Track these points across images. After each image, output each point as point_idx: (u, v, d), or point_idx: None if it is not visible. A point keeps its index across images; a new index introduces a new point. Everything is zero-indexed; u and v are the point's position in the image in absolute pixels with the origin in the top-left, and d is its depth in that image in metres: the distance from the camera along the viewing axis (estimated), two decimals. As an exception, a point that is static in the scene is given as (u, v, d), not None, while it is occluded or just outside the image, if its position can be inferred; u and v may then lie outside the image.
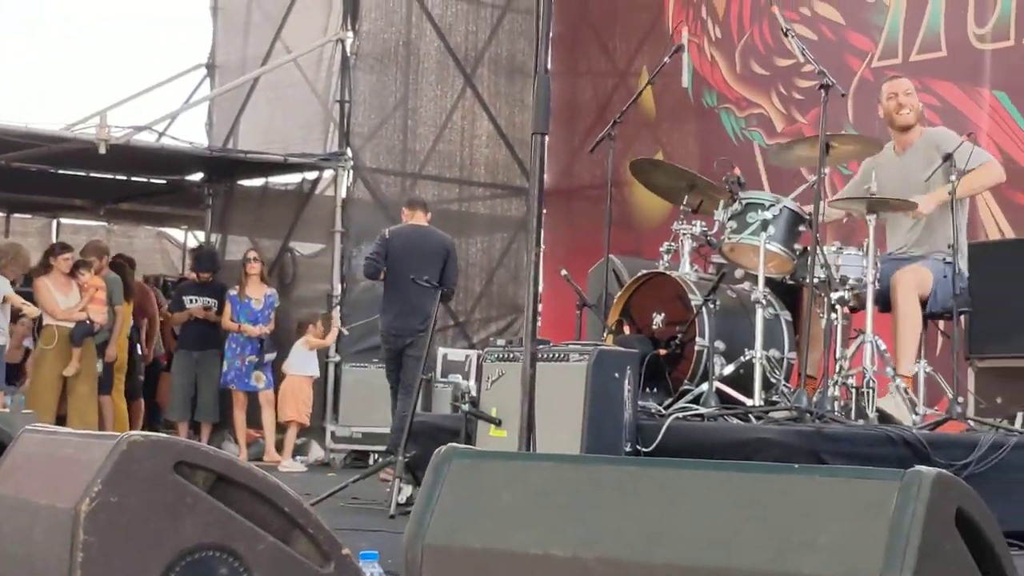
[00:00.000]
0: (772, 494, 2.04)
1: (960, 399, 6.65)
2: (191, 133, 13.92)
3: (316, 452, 12.18)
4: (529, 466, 2.44)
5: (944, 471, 1.97)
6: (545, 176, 13.99)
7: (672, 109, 12.47)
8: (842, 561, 1.89)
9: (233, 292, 11.98)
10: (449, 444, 2.48)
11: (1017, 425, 6.47)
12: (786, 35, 7.08)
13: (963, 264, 7.03)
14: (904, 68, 10.51)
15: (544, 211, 13.50)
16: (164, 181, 14.21)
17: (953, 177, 6.74)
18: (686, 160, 11.69)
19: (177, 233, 17.26)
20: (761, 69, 11.69)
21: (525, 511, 2.28)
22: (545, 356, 6.28)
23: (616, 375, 6.18)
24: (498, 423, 6.30)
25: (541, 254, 12.47)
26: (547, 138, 11.90)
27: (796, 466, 2.10)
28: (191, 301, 12.39)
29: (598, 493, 2.22)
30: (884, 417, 6.54)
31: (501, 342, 6.63)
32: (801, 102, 11.24)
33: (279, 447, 11.73)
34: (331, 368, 12.32)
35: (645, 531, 2.12)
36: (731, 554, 2.01)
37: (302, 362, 11.79)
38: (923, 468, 1.97)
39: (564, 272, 7.89)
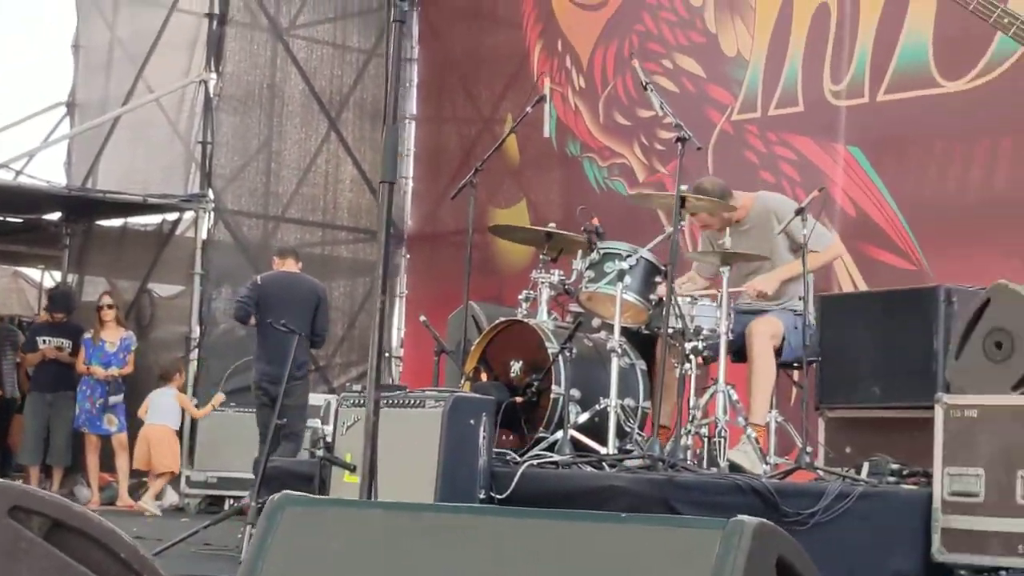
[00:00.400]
0: (600, 543, 2.08)
1: (809, 449, 6.77)
2: (50, 172, 13.73)
3: (171, 497, 12.02)
4: (361, 514, 2.44)
5: (765, 520, 2.02)
6: (409, 222, 14.15)
7: (536, 157, 12.57)
8: (666, 608, 1.93)
9: (88, 335, 11.83)
10: (283, 492, 2.48)
11: (863, 475, 6.59)
12: (646, 88, 7.18)
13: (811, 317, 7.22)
14: (762, 122, 10.73)
15: (407, 256, 13.74)
16: (20, 220, 13.99)
17: (806, 231, 6.88)
18: (549, 208, 11.80)
19: (34, 273, 16.96)
20: (624, 120, 11.83)
21: (356, 560, 2.29)
22: (401, 402, 6.30)
23: (471, 422, 6.20)
24: (352, 469, 6.28)
25: (404, 299, 12.47)
26: (411, 183, 11.98)
27: (623, 515, 2.13)
28: (44, 342, 12.20)
29: (428, 541, 2.24)
30: (735, 467, 6.63)
31: (357, 387, 6.61)
32: (662, 153, 11.39)
33: (132, 492, 11.58)
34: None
35: None
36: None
37: (168, 412, 11.60)
38: (745, 517, 2.02)
39: (423, 318, 7.91)
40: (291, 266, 10.22)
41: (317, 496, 5.65)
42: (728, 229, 7.24)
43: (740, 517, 2.04)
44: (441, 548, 2.23)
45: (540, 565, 2.12)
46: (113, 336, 11.81)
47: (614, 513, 2.10)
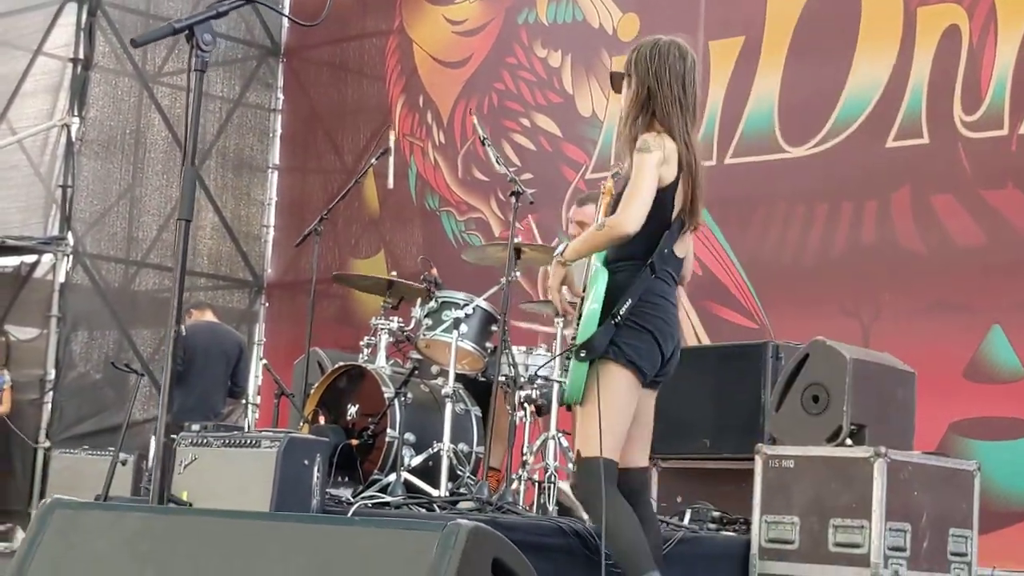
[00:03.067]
0: (333, 544, 2.26)
1: (637, 496, 6.97)
2: (-91, 212, 13.66)
3: (21, 537, 11.95)
4: (124, 517, 2.62)
5: (482, 524, 2.21)
6: (269, 270, 14.19)
7: (395, 209, 12.76)
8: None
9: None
10: (54, 496, 2.64)
11: (686, 521, 6.81)
12: (483, 143, 7.41)
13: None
14: (616, 181, 11.00)
15: (266, 304, 13.78)
16: None
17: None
18: (407, 259, 11.99)
19: None
20: (481, 175, 12.06)
21: (117, 559, 2.46)
22: (236, 442, 6.41)
23: (306, 462, 6.33)
24: (189, 506, 6.38)
25: (263, 347, 12.44)
26: (272, 232, 12.03)
27: (357, 518, 2.32)
28: None
29: (182, 542, 2.41)
30: (564, 510, 6.81)
31: (196, 427, 6.71)
32: (519, 208, 11.58)
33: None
34: (40, 453, 12.15)
35: (220, 574, 2.32)
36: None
37: None
38: (462, 521, 2.22)
39: (264, 362, 8.06)
40: (210, 316, 10.42)
41: (84, 500, 5.75)
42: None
43: (458, 520, 2.23)
44: (195, 548, 2.40)
45: (281, 564, 2.30)
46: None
47: (344, 516, 2.28)
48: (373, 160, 8.18)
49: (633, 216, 4.85)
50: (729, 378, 7.62)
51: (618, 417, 5.05)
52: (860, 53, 9.86)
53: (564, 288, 5.20)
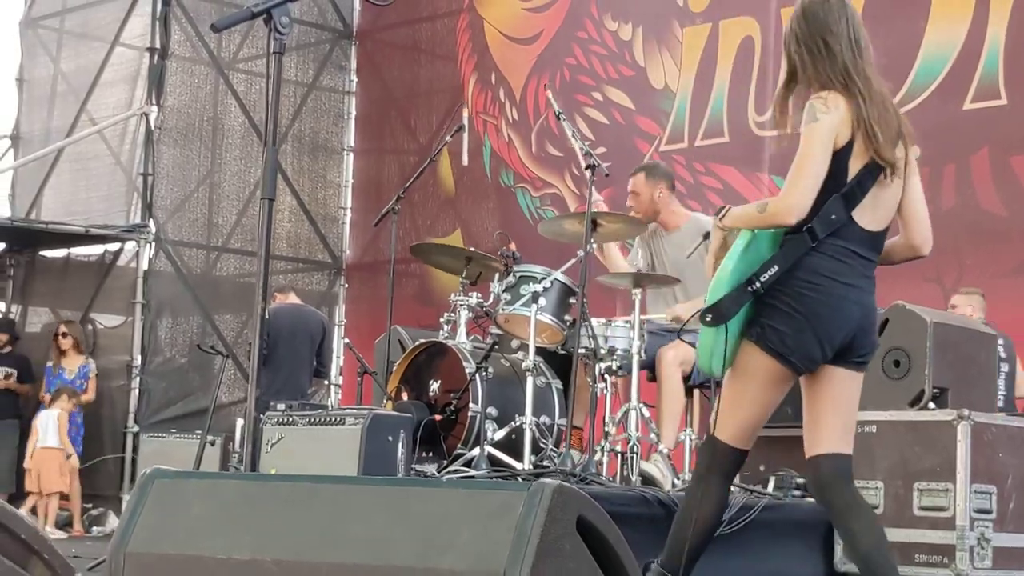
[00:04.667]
0: (420, 503, 2.35)
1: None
2: (-6, 204, 13.92)
3: (113, 522, 12.15)
4: (219, 484, 2.72)
5: (566, 484, 2.27)
6: (348, 251, 14.30)
7: (471, 187, 12.83)
8: (475, 558, 2.19)
9: (49, 363, 12.07)
10: (154, 466, 2.76)
11: (769, 489, 6.83)
12: (558, 118, 7.45)
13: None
14: (689, 152, 11.02)
15: (346, 286, 13.89)
16: (-36, 251, 14.12)
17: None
18: (483, 237, 12.04)
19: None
20: (556, 151, 12.10)
21: (213, 522, 2.56)
22: (321, 420, 6.53)
23: (390, 438, 6.44)
24: None
25: (343, 328, 12.58)
26: (349, 214, 12.13)
27: (444, 479, 2.38)
28: (-10, 370, 12.35)
29: (275, 505, 2.51)
30: (648, 480, 6.86)
31: (281, 406, 6.81)
32: (594, 183, 11.62)
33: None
34: (129, 438, 12.34)
35: (314, 537, 2.42)
36: (384, 554, 2.30)
37: (52, 433, 11.57)
38: (548, 480, 2.27)
39: (346, 341, 8.15)
40: (293, 299, 10.57)
41: (183, 470, 5.85)
42: (664, 238, 7.62)
43: (543, 480, 2.28)
44: (287, 510, 2.49)
45: (369, 523, 2.38)
46: (72, 364, 12.05)
47: (434, 478, 2.34)
48: (448, 138, 8.25)
49: (798, 200, 4.33)
50: (810, 344, 7.60)
51: (748, 405, 4.60)
52: (935, 15, 9.79)
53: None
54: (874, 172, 4.43)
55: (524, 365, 6.96)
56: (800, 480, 6.96)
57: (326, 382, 12.45)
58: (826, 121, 4.36)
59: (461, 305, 7.44)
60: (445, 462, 6.95)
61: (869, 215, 4.46)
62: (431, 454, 7.07)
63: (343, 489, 2.52)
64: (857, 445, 6.40)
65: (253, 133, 13.41)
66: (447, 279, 12.20)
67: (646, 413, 7.04)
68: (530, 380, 6.92)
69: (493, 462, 6.82)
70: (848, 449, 4.73)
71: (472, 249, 7.84)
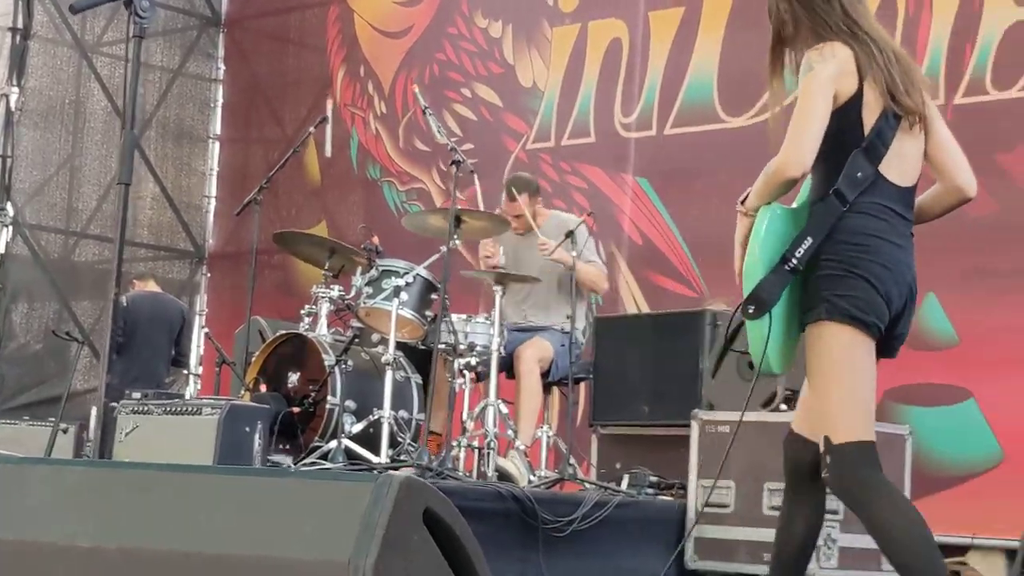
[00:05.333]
0: (267, 493, 2.34)
1: (573, 461, 7.08)
2: None
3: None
4: (63, 470, 2.69)
5: (414, 476, 2.29)
6: (211, 240, 14.12)
7: (337, 179, 12.76)
8: (320, 548, 2.20)
9: None
10: (-6, 454, 2.72)
11: (623, 486, 6.90)
12: (425, 113, 7.47)
13: (579, 334, 7.57)
14: (555, 151, 11.07)
15: (208, 275, 13.72)
16: None
17: (574, 253, 7.24)
18: (348, 230, 11.98)
19: None
20: (423, 145, 12.08)
21: (55, 509, 2.52)
22: (178, 409, 6.47)
23: (247, 429, 6.41)
24: None
25: (204, 317, 12.44)
26: (214, 202, 11.96)
27: (292, 470, 2.39)
28: None
29: (120, 492, 2.49)
30: (504, 476, 6.90)
31: (137, 395, 6.74)
32: (460, 179, 11.63)
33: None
34: (-20, 425, 12.12)
35: (160, 525, 2.41)
36: (230, 543, 2.30)
37: None
38: (395, 473, 2.29)
39: (206, 330, 8.08)
40: (152, 287, 10.42)
41: (23, 456, 5.80)
42: (524, 237, 7.72)
43: (389, 472, 2.30)
44: (133, 498, 2.47)
45: (216, 512, 2.38)
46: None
47: (282, 468, 2.35)
48: (312, 129, 8.23)
49: (797, 154, 4.07)
50: (667, 346, 7.71)
51: (859, 386, 4.11)
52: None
53: None
54: (892, 122, 4.14)
55: (384, 359, 6.97)
56: (653, 478, 7.06)
57: (185, 372, 12.33)
58: (822, 70, 4.09)
59: (323, 297, 7.43)
60: (302, 455, 6.93)
61: (896, 169, 4.16)
62: (288, 446, 7.04)
63: (191, 477, 2.51)
64: (710, 445, 6.55)
65: (116, 118, 13.20)
66: (310, 271, 12.09)
67: (504, 410, 7.09)
68: (389, 374, 6.94)
69: (350, 455, 6.82)
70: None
71: (336, 241, 7.82)
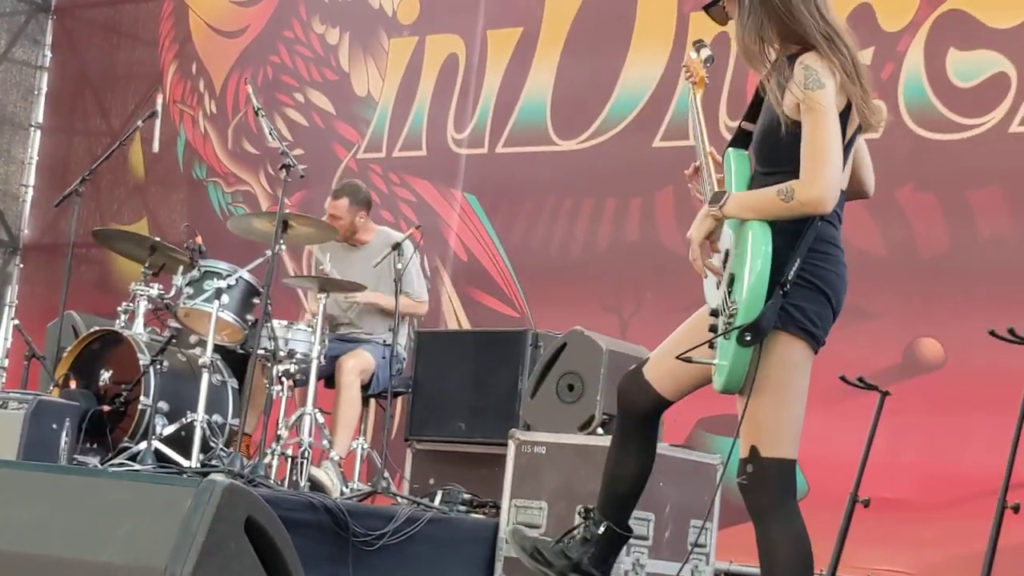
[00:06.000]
0: (82, 493, 2.25)
1: (387, 475, 7.03)
2: None
3: None
4: None
5: (237, 483, 2.23)
6: (26, 231, 13.72)
7: (161, 176, 12.53)
8: (136, 552, 2.12)
9: None
10: None
11: (436, 503, 6.87)
12: (257, 114, 7.37)
13: (401, 348, 7.54)
14: (386, 163, 11.02)
15: (21, 266, 13.37)
16: None
17: (399, 266, 7.21)
18: (171, 228, 11.78)
19: None
20: (252, 148, 11.93)
21: None
22: (-17, 402, 6.27)
23: (54, 426, 6.24)
24: None
25: (14, 309, 12.14)
26: (31, 192, 11.63)
27: (110, 470, 2.31)
28: None
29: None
30: (317, 486, 6.82)
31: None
32: (288, 184, 11.52)
33: None
34: None
35: None
36: (42, 543, 2.20)
37: None
38: (218, 478, 2.23)
39: (16, 322, 7.87)
40: None
41: None
42: (350, 251, 7.64)
43: (213, 477, 2.24)
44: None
45: (27, 510, 2.27)
46: None
47: (98, 468, 2.27)
48: (140, 123, 8.06)
49: (830, 187, 3.85)
50: (488, 363, 7.71)
51: (796, 403, 4.01)
52: (633, 52, 10.03)
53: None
54: (855, 136, 4.10)
55: (201, 361, 6.85)
56: (467, 495, 7.04)
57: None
58: (831, 88, 3.92)
59: (141, 295, 7.28)
60: (110, 455, 6.78)
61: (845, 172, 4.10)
62: (95, 445, 6.88)
63: (5, 474, 2.40)
64: (525, 465, 6.55)
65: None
66: (129, 267, 11.87)
67: (320, 419, 7.02)
68: (205, 377, 6.82)
69: (160, 458, 6.69)
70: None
71: (157, 240, 7.67)
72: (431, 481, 7.61)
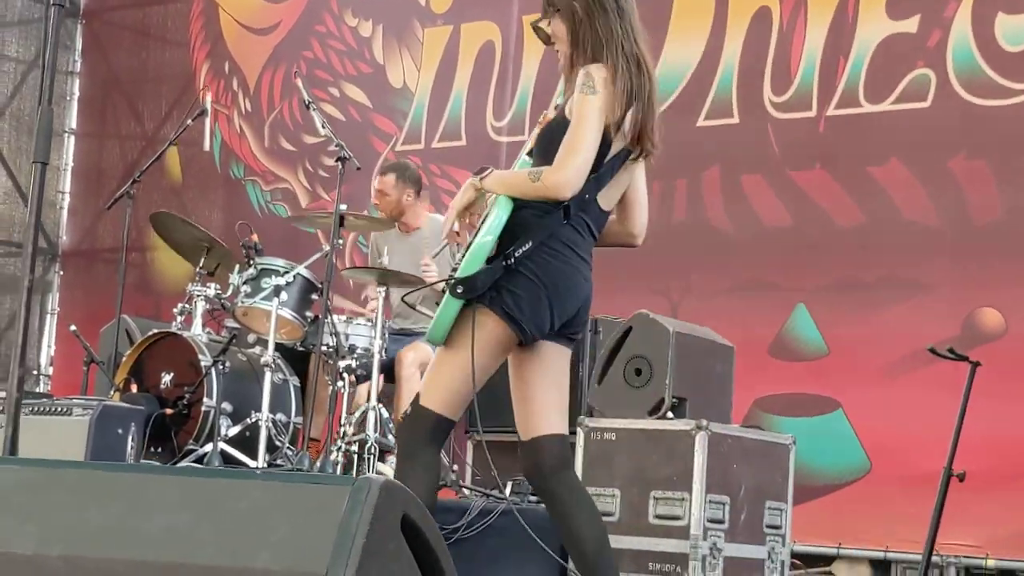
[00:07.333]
0: (230, 497, 2.16)
1: (455, 468, 6.95)
2: None
3: None
4: (-3, 470, 2.47)
5: (393, 480, 2.14)
6: (65, 237, 13.72)
7: (199, 177, 12.48)
8: (292, 558, 2.02)
9: None
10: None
11: (506, 494, 6.80)
12: (308, 107, 7.29)
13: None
14: (425, 153, 10.94)
15: (61, 273, 13.35)
16: None
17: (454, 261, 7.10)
18: (210, 228, 11.67)
19: None
20: (289, 145, 11.88)
21: None
22: (46, 410, 6.21)
23: (120, 431, 6.18)
24: None
25: (56, 316, 12.12)
26: (68, 198, 11.62)
27: (258, 471, 2.23)
28: None
29: (60, 494, 2.28)
30: (384, 482, 6.76)
31: (2, 394, 6.46)
32: (326, 179, 11.48)
33: None
34: None
35: (108, 529, 2.20)
36: (189, 551, 2.11)
37: None
38: (373, 476, 2.13)
39: (73, 328, 7.80)
40: None
41: None
42: (400, 238, 7.55)
43: (368, 475, 2.15)
44: (78, 500, 2.27)
45: (172, 516, 2.18)
46: None
47: (250, 470, 2.19)
48: (189, 121, 7.98)
49: (573, 176, 4.17)
50: (546, 352, 7.60)
51: (467, 371, 4.32)
52: (673, 32, 9.93)
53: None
54: (623, 155, 4.36)
55: (262, 360, 6.78)
56: (538, 486, 6.94)
57: (35, 372, 11.95)
58: (604, 95, 4.21)
59: (198, 296, 7.21)
60: (175, 458, 6.72)
61: (605, 194, 4.38)
62: (160, 449, 6.82)
63: (143, 478, 2.30)
64: (595, 452, 6.46)
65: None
66: (168, 269, 11.87)
67: (385, 414, 6.94)
68: (268, 376, 6.75)
69: (226, 459, 6.62)
70: (566, 429, 4.61)
71: (213, 237, 7.59)
72: (494, 472, 7.52)
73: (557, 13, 4.43)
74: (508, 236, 4.23)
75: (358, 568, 1.98)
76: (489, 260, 4.22)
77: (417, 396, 4.39)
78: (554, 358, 4.51)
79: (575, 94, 4.23)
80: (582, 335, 4.74)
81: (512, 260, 4.21)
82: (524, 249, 4.22)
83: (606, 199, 4.39)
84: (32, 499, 2.31)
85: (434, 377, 4.39)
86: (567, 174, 4.18)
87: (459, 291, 4.19)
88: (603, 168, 4.29)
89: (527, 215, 4.27)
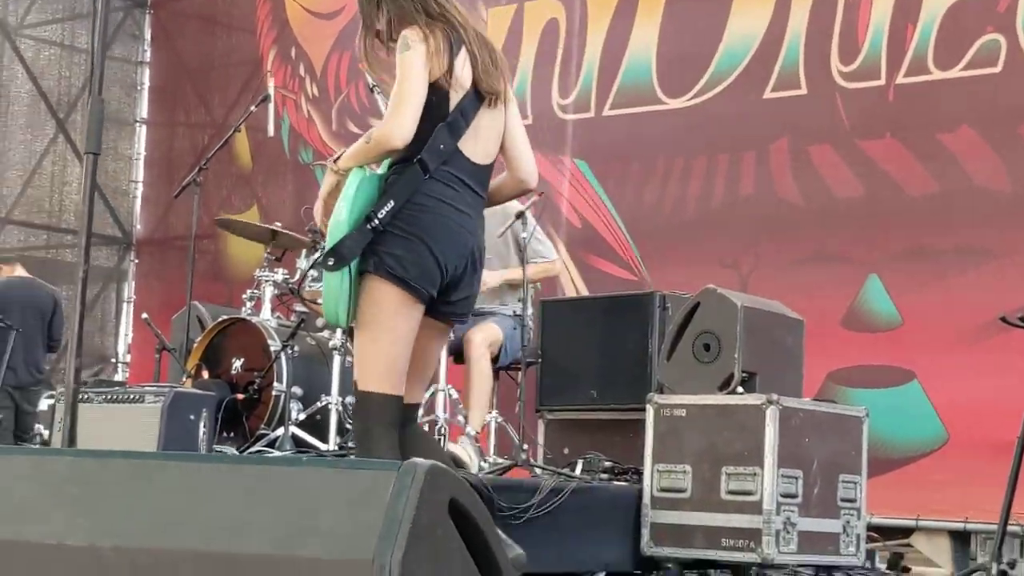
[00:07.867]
0: (279, 484, 2.16)
1: (526, 447, 6.95)
2: None
3: None
4: (46, 461, 2.49)
5: (438, 463, 2.13)
6: (138, 226, 13.85)
7: (268, 163, 12.56)
8: (341, 544, 2.02)
9: None
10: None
11: (577, 472, 6.78)
12: (372, 92, 7.26)
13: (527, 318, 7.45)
14: (492, 133, 10.92)
15: (136, 261, 13.48)
16: None
17: (524, 235, 7.09)
18: (281, 214, 11.76)
19: None
20: (356, 128, 11.89)
21: (41, 503, 2.32)
22: (120, 397, 6.27)
23: (192, 417, 6.23)
24: None
25: (132, 304, 12.24)
26: (141, 187, 11.70)
27: (304, 458, 2.23)
28: None
29: (113, 485, 2.30)
30: (456, 462, 6.75)
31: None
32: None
33: None
34: None
35: (159, 519, 2.22)
36: (239, 540, 2.11)
37: None
38: (419, 460, 2.12)
39: (145, 316, 7.87)
40: (20, 271, 10.11)
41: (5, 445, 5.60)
42: None
43: (414, 459, 2.15)
44: (128, 490, 2.29)
45: (222, 505, 2.19)
46: None
47: (296, 456, 2.19)
48: (253, 108, 8.02)
49: (400, 125, 4.36)
50: (615, 328, 7.58)
51: (390, 341, 4.39)
52: (736, 5, 9.86)
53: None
54: (475, 102, 4.52)
55: (331, 344, 6.80)
56: (607, 463, 6.93)
57: (113, 360, 12.07)
58: (419, 50, 4.43)
59: (266, 281, 7.24)
60: (247, 443, 6.77)
61: (471, 146, 4.52)
62: (232, 434, 6.88)
63: (192, 467, 2.32)
64: (665, 428, 6.43)
65: (41, 101, 12.93)
66: (240, 256, 11.94)
67: (454, 395, 6.95)
68: (337, 359, 6.77)
69: (297, 443, 6.66)
70: (422, 399, 5.04)
71: (278, 225, 7.62)
72: (565, 451, 7.51)
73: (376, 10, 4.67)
74: (370, 203, 4.38)
75: (405, 552, 1.97)
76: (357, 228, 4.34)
77: (355, 386, 4.48)
78: (435, 339, 4.68)
79: (397, 56, 4.49)
80: (467, 317, 4.93)
81: (376, 221, 4.34)
82: (387, 209, 4.36)
83: (477, 152, 4.54)
84: (85, 491, 2.33)
85: (360, 359, 4.46)
86: (391, 124, 4.38)
87: (330, 263, 4.34)
88: (451, 116, 4.46)
89: (390, 180, 4.44)
